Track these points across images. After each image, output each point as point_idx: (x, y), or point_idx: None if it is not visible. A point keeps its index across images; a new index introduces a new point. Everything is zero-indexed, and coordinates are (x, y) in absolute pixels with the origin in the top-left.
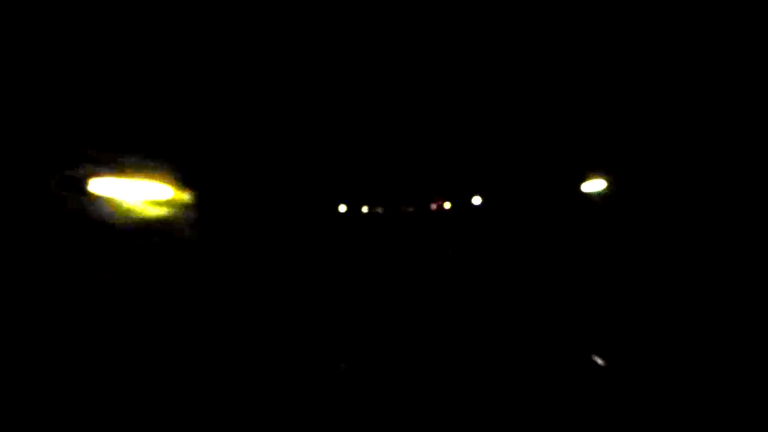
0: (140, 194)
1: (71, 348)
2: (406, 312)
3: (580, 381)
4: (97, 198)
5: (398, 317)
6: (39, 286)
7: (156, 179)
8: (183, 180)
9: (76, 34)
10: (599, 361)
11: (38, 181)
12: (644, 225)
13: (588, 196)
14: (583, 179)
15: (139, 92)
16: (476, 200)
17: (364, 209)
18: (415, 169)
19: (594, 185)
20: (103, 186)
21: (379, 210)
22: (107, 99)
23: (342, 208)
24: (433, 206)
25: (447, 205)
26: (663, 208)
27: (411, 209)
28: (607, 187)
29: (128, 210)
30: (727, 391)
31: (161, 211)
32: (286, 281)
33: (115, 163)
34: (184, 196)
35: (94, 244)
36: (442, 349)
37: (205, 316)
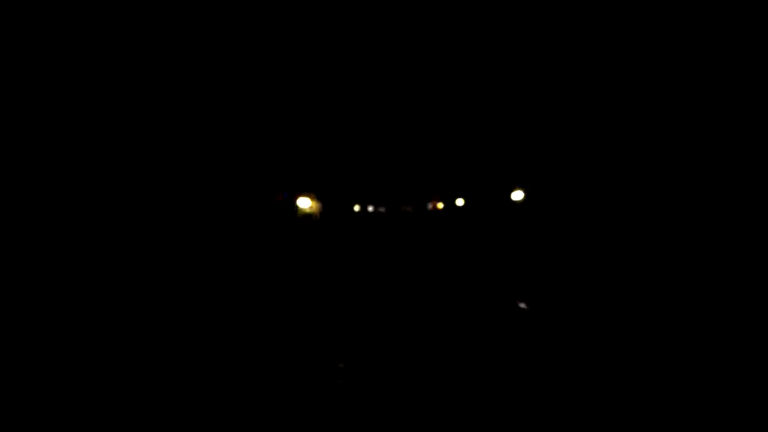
0: (305, 204)
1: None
2: (405, 304)
3: (511, 319)
4: (297, 206)
5: (397, 309)
6: (278, 244)
7: (308, 197)
8: (315, 197)
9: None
10: (523, 305)
11: (287, 202)
12: (545, 217)
13: (515, 201)
14: (512, 191)
15: (305, 170)
16: (459, 202)
17: (370, 208)
18: (414, 176)
19: (518, 195)
20: (298, 201)
21: (382, 209)
22: (299, 175)
23: (356, 207)
24: (430, 206)
25: (440, 206)
26: (556, 209)
27: (410, 209)
28: (525, 197)
29: (301, 209)
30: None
31: (310, 209)
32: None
33: (299, 193)
34: (317, 204)
35: (298, 222)
36: (437, 343)
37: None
